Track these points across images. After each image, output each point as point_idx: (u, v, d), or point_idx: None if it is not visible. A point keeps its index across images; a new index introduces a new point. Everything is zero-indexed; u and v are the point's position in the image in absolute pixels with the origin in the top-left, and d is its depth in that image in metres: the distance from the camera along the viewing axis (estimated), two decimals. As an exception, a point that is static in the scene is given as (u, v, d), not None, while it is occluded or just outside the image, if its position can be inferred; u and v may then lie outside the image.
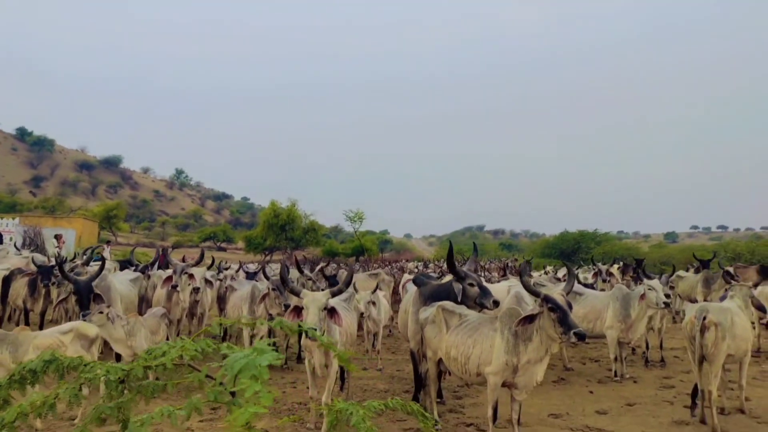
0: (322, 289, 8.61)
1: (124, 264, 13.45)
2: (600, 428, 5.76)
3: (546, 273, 17.38)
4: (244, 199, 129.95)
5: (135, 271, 10.03)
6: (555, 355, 9.23)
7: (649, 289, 7.74)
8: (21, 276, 8.97)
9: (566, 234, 51.14)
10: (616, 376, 7.91)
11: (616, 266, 21.40)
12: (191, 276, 8.00)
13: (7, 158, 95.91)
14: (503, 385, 4.96)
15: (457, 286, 6.28)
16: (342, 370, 6.56)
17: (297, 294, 5.03)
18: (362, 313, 8.18)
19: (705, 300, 11.83)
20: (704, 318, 5.70)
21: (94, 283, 6.90)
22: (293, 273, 9.37)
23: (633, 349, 9.86)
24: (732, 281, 12.19)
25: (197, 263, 8.49)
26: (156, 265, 13.75)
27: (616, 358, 8.00)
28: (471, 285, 6.27)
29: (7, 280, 9.13)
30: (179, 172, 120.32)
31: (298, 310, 4.99)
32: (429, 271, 23.25)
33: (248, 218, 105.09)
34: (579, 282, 10.90)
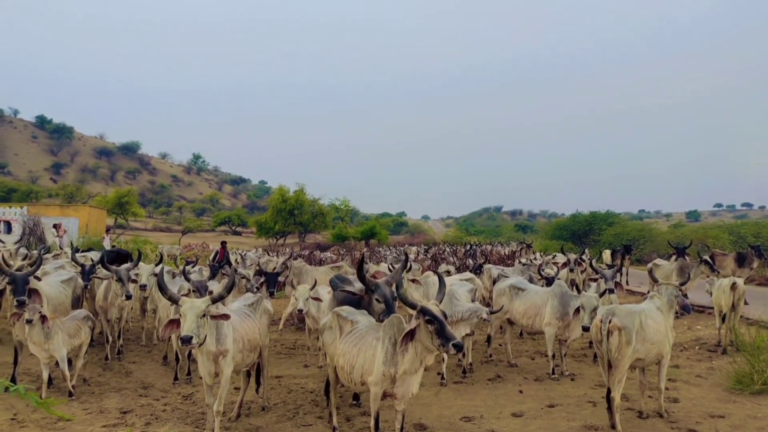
0: (258, 287, 8.62)
1: (120, 255, 12.29)
2: (504, 434, 5.66)
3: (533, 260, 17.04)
4: (262, 182, 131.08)
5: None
6: (500, 350, 9.14)
7: (582, 307, 6.95)
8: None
9: (578, 215, 50.54)
10: (553, 373, 7.76)
11: (607, 251, 21.12)
12: (130, 279, 8.05)
13: (27, 146, 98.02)
14: (384, 395, 4.87)
15: (366, 298, 6.13)
16: (258, 371, 6.55)
17: (175, 302, 4.99)
18: (301, 310, 8.11)
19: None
20: (609, 321, 5.53)
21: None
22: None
23: (590, 343, 9.68)
24: (713, 271, 11.87)
25: (136, 263, 8.51)
26: (216, 260, 13.46)
27: (553, 356, 7.84)
28: (378, 300, 6.03)
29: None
30: (197, 157, 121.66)
31: (176, 322, 4.94)
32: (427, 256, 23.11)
33: (265, 202, 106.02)
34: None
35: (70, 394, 6.55)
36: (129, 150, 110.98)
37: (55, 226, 24.01)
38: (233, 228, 70.62)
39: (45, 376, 6.55)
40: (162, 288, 5.09)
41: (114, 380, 7.45)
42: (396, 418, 4.98)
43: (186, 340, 4.70)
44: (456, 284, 8.19)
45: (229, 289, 5.23)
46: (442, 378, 7.52)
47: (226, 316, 5.16)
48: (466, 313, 7.10)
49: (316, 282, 8.53)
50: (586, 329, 6.72)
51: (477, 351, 9.10)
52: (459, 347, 4.37)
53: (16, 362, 6.95)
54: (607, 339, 5.51)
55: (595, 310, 6.73)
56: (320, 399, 6.66)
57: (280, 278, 9.79)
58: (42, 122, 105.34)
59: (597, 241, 38.44)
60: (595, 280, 9.08)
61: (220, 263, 12.16)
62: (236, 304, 6.08)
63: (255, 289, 8.39)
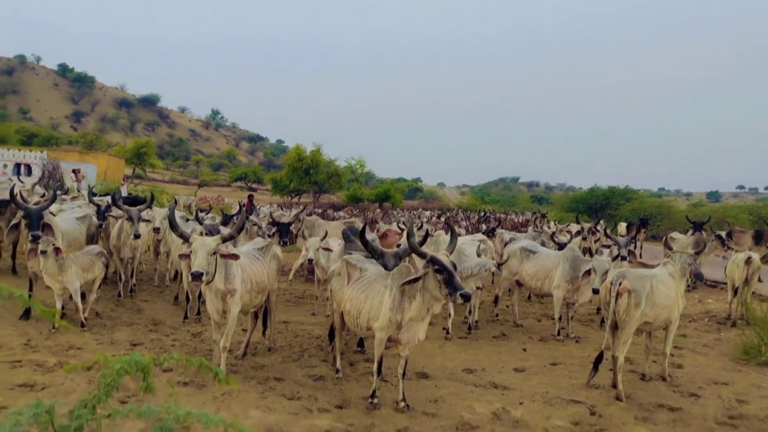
0: (270, 236, 8.66)
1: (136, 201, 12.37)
2: (505, 386, 5.70)
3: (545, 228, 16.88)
4: (279, 141, 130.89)
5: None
6: (506, 311, 9.17)
7: (594, 269, 6.93)
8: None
9: (596, 189, 49.98)
10: (558, 335, 7.78)
11: (623, 224, 20.90)
12: (140, 219, 8.13)
13: (49, 93, 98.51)
14: (389, 340, 4.92)
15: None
16: (265, 314, 6.64)
17: (186, 239, 5.03)
18: (311, 260, 8.18)
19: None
20: (619, 284, 5.48)
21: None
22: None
23: (597, 309, 9.64)
24: (724, 246, 11.73)
25: (148, 205, 8.57)
26: (244, 213, 13.54)
27: (560, 318, 7.85)
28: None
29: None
30: (215, 113, 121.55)
31: (188, 257, 4.99)
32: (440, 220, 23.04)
33: (281, 160, 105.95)
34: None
35: (83, 325, 6.72)
36: (148, 102, 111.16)
37: (74, 171, 24.24)
38: (249, 184, 70.86)
39: (58, 306, 6.70)
40: (173, 225, 5.13)
41: (126, 316, 7.62)
42: (399, 363, 5.03)
43: (196, 276, 4.76)
44: (466, 243, 8.16)
45: (239, 229, 5.26)
46: (447, 333, 7.57)
47: (235, 256, 5.21)
48: (475, 268, 7.09)
49: (326, 233, 8.56)
50: (596, 292, 6.68)
51: (484, 310, 9.13)
52: (466, 297, 4.37)
53: (30, 293, 7.11)
54: (615, 301, 5.47)
55: (606, 273, 6.66)
56: (325, 344, 6.75)
57: (292, 229, 9.82)
58: (64, 70, 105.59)
59: (613, 216, 37.99)
60: (608, 246, 9.00)
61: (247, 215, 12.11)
62: (246, 247, 6.13)
63: (266, 237, 8.45)
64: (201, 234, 7.05)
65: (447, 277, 4.42)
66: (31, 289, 7.14)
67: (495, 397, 5.39)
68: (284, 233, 8.78)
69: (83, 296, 6.99)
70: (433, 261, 4.53)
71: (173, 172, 76.71)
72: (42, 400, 1.92)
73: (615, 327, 5.61)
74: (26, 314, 7.03)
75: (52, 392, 4.75)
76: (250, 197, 18.30)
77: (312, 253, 8.14)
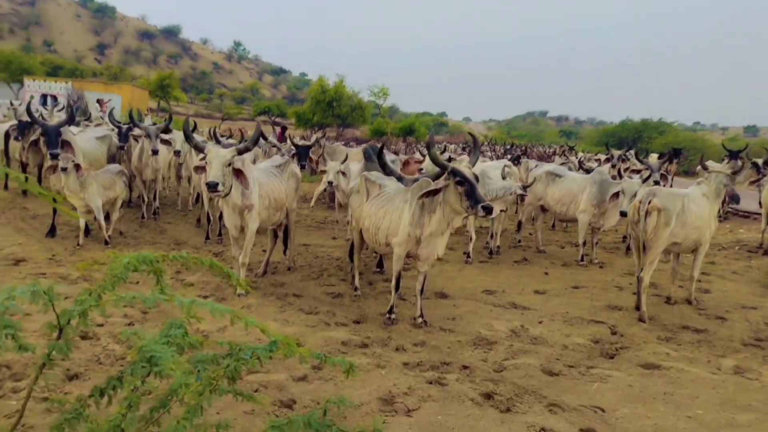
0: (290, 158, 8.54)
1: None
2: (525, 306, 5.64)
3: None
4: (302, 74, 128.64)
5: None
6: (529, 238, 9.03)
7: (622, 191, 6.66)
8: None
9: (627, 122, 48.45)
10: (582, 260, 7.64)
11: (654, 154, 20.23)
12: (163, 140, 8.08)
13: (72, 24, 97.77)
14: (407, 256, 4.85)
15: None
16: (285, 235, 6.63)
17: (201, 150, 4.93)
18: (331, 182, 8.09)
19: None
20: (649, 202, 5.25)
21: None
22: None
23: (624, 237, 9.42)
24: (760, 173, 11.29)
25: (167, 124, 8.47)
26: (258, 127, 13.97)
27: (584, 243, 7.68)
28: None
29: (7, 135, 9.53)
30: (237, 45, 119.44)
31: (204, 169, 4.92)
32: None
33: (304, 94, 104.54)
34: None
35: (106, 243, 6.82)
36: (170, 34, 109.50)
37: (98, 101, 24.33)
38: (273, 118, 70.40)
39: (82, 224, 6.79)
40: (187, 136, 5.03)
41: (149, 236, 7.70)
42: (417, 280, 4.98)
43: (212, 186, 4.70)
44: (491, 166, 7.94)
45: (254, 141, 5.14)
46: (468, 257, 7.50)
47: (244, 177, 5.03)
48: (500, 190, 6.91)
49: (347, 157, 8.41)
50: (623, 214, 6.45)
51: (506, 237, 9.01)
52: (488, 209, 4.23)
53: (55, 212, 7.21)
54: (644, 219, 5.27)
55: (635, 196, 6.40)
56: (345, 265, 6.75)
57: (312, 154, 9.69)
58: (85, 0, 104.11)
59: (645, 150, 36.98)
60: (638, 171, 8.67)
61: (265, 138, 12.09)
62: (264, 164, 6.03)
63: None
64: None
65: (468, 188, 4.28)
66: (55, 211, 7.22)
67: (514, 316, 5.34)
68: (303, 156, 8.65)
69: (107, 217, 7.05)
70: (454, 173, 4.38)
71: (197, 106, 76.45)
72: (40, 279, 1.87)
73: (644, 249, 5.44)
74: (52, 232, 7.17)
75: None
76: (284, 128, 18.42)
77: (332, 175, 8.03)
